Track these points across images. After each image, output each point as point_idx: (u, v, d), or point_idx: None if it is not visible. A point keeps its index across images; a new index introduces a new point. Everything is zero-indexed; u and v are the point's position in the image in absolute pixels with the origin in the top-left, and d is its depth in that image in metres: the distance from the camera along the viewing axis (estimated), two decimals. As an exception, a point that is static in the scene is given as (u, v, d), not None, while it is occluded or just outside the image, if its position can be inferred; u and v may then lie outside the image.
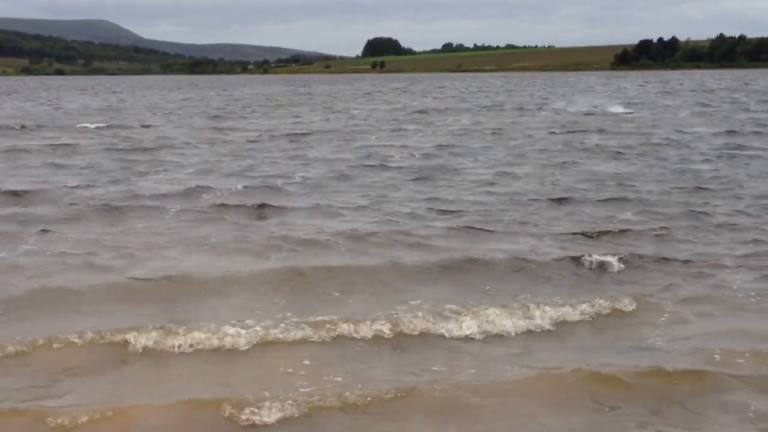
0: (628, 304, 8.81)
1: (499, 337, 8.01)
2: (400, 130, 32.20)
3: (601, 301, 8.81)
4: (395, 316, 8.29)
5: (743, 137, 27.20)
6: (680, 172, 18.92)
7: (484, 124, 34.65)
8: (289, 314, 8.39)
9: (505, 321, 8.21)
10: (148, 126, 35.14)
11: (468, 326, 8.07)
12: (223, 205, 14.65)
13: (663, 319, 8.50)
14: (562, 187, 16.77)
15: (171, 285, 9.40)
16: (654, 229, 12.51)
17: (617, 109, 43.68)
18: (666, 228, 12.62)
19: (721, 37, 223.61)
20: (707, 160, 21.27)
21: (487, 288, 9.54)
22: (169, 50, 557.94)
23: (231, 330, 7.73)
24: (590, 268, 10.34)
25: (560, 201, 15.06)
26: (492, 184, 17.49)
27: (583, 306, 8.68)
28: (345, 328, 7.92)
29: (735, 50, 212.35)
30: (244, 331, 7.73)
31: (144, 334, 7.63)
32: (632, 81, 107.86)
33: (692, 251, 11.20)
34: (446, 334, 7.99)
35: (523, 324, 8.22)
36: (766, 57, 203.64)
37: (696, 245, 11.59)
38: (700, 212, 13.87)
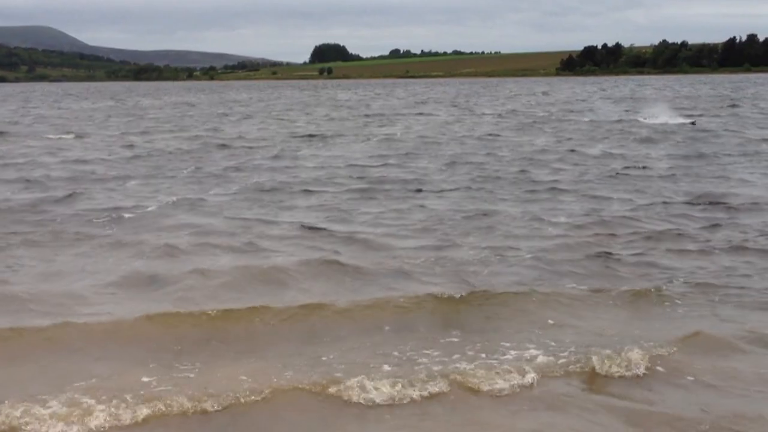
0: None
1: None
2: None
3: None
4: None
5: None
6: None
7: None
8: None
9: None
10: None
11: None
12: None
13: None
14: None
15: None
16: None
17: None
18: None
19: (664, 43, 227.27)
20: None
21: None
22: (114, 57, 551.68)
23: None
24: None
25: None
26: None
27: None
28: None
29: (678, 56, 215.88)
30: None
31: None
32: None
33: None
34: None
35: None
36: (708, 63, 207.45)
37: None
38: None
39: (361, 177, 19.85)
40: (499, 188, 17.97)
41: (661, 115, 39.50)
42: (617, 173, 19.97)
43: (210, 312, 8.70)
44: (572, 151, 25.38)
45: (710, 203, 15.54)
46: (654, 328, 8.45)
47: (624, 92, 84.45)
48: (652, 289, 9.71)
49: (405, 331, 8.49)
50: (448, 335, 8.33)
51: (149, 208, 15.33)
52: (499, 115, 46.99)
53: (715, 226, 13.39)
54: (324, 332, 8.39)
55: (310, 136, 33.33)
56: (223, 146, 28.67)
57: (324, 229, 13.41)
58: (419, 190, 17.61)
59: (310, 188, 18.15)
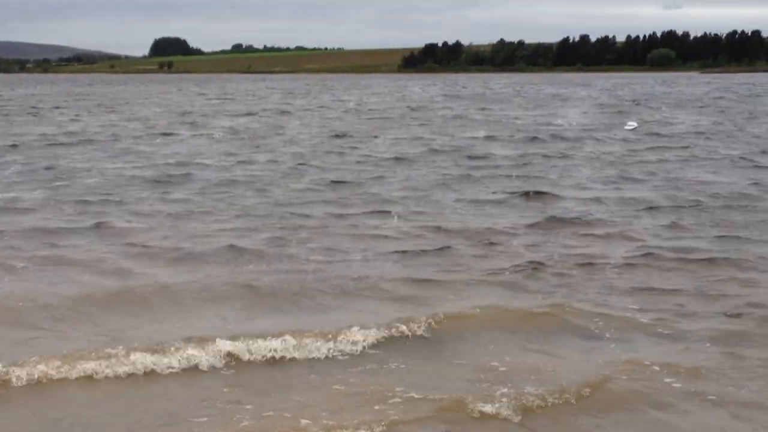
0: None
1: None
2: None
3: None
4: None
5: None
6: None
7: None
8: None
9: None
10: None
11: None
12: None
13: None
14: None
15: None
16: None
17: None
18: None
19: (502, 42, 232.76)
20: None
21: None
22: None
23: None
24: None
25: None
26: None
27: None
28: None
29: (515, 55, 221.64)
30: None
31: None
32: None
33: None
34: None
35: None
36: (544, 62, 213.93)
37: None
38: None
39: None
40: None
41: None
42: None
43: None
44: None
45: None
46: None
47: (508, 92, 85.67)
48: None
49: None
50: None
51: None
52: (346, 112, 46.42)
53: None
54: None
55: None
56: None
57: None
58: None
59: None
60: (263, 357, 7.90)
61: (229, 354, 7.85)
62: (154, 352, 7.76)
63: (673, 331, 8.83)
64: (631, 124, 35.87)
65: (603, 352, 8.29)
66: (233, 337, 8.12)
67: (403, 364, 7.92)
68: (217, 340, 7.99)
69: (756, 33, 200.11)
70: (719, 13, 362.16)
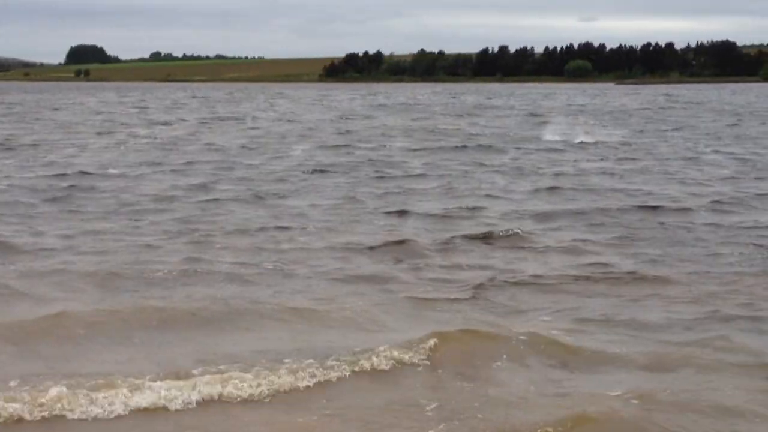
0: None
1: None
2: None
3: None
4: None
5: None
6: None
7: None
8: None
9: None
10: None
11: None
12: None
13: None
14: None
15: None
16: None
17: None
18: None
19: (423, 52, 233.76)
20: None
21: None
22: None
23: None
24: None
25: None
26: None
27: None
28: None
29: (435, 65, 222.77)
30: None
31: None
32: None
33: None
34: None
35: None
36: (464, 72, 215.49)
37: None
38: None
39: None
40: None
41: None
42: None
43: None
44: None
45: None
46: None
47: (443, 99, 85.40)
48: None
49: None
50: None
51: None
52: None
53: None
54: None
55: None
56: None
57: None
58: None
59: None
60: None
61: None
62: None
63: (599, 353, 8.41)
64: (554, 134, 35.91)
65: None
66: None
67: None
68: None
69: (669, 45, 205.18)
70: (634, 26, 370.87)
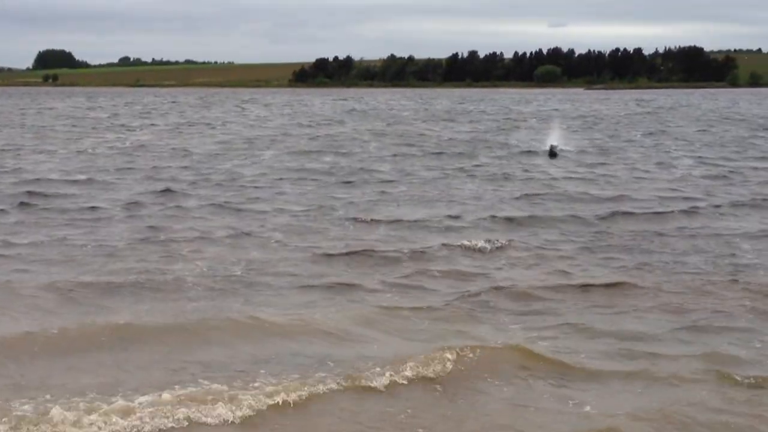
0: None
1: None
2: None
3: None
4: None
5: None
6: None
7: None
8: None
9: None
10: None
11: None
12: None
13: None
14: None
15: None
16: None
17: None
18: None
19: (392, 57, 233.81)
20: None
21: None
22: None
23: None
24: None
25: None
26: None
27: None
28: None
29: (405, 70, 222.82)
30: None
31: None
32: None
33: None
34: None
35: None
36: (434, 77, 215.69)
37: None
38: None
39: None
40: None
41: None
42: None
43: None
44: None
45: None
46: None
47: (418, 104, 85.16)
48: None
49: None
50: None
51: None
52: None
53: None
54: None
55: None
56: None
57: None
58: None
59: None
60: None
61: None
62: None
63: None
64: (526, 139, 35.92)
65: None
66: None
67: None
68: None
69: (638, 51, 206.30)
70: (602, 32, 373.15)
